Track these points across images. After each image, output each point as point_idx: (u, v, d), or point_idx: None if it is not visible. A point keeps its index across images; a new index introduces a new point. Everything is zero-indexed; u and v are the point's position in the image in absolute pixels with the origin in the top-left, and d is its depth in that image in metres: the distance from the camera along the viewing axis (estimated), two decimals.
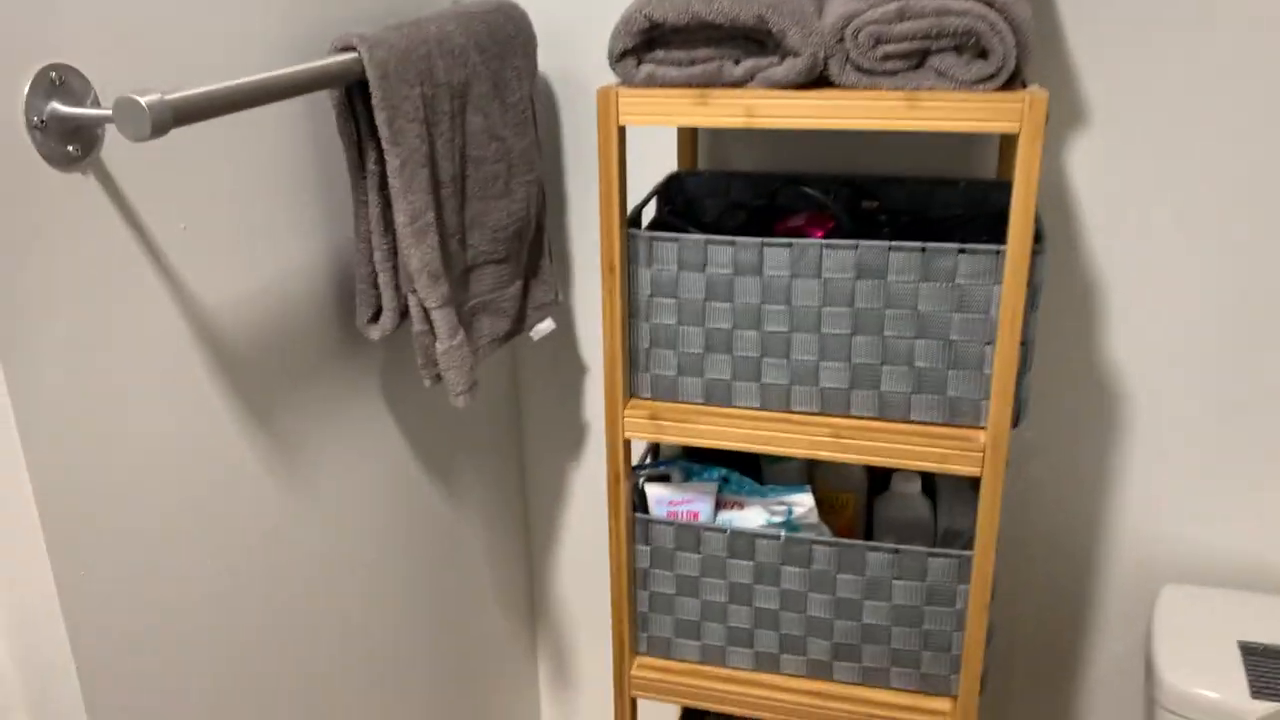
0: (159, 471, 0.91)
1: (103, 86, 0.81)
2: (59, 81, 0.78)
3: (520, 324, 1.32)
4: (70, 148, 0.80)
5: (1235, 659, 1.17)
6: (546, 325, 1.35)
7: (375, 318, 1.15)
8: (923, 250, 1.01)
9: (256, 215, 1.01)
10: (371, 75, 1.00)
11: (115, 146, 0.83)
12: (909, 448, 1.05)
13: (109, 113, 0.76)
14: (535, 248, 1.32)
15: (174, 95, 0.77)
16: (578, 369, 1.56)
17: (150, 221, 0.88)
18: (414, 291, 1.10)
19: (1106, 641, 1.43)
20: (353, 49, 1.00)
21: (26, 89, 0.76)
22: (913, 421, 1.07)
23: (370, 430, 1.23)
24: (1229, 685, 1.14)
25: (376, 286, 1.13)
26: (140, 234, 0.87)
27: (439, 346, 1.12)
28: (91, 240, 0.82)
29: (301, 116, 1.06)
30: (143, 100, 0.75)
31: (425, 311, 1.11)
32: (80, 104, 0.79)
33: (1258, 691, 1.13)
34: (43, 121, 0.77)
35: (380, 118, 1.02)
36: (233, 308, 0.99)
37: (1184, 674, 1.16)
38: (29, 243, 0.77)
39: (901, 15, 0.92)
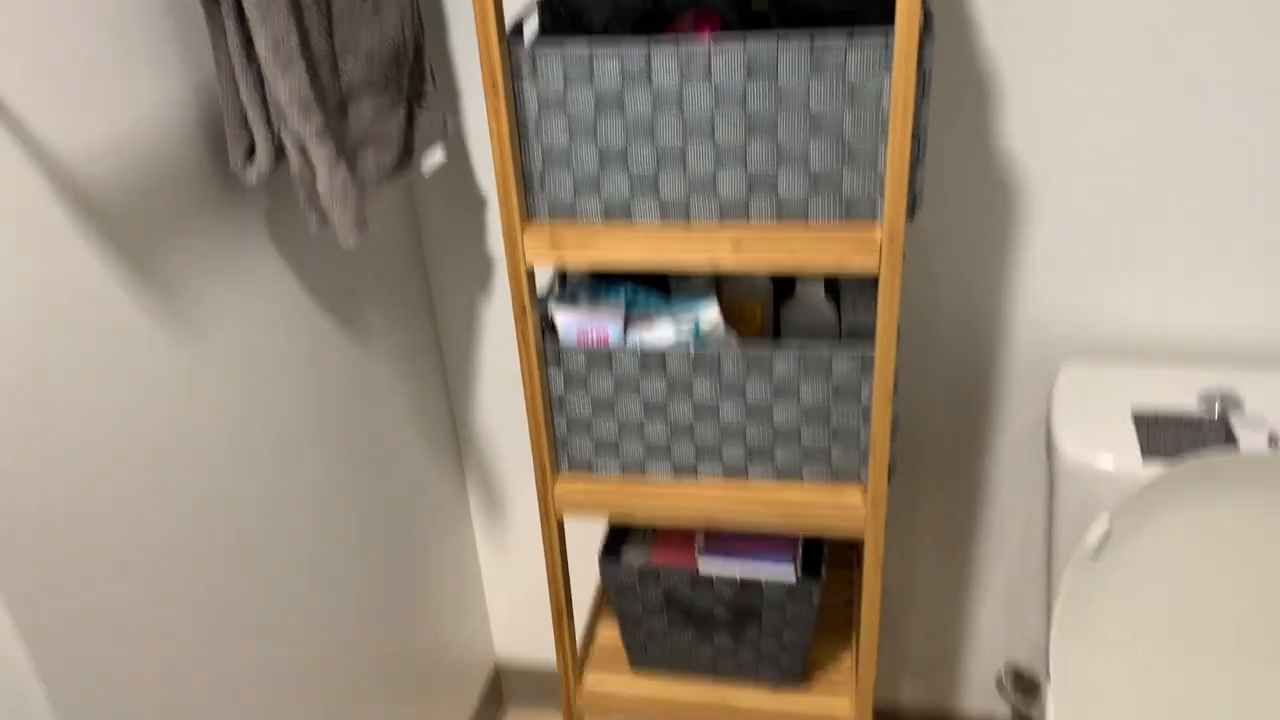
0: (40, 336, 0.88)
1: None
2: None
3: (409, 156, 1.27)
4: None
5: (1128, 427, 1.23)
6: (436, 157, 1.30)
7: (250, 157, 1.09)
8: (811, 43, 0.98)
9: (108, 51, 0.94)
10: None
11: None
12: (808, 250, 1.05)
13: None
14: (416, 74, 1.26)
15: None
16: (477, 200, 1.52)
17: None
18: (286, 126, 1.04)
19: (1010, 422, 1.49)
20: None
21: None
22: (811, 224, 1.07)
23: (262, 279, 1.19)
24: (1122, 451, 1.20)
25: (247, 124, 1.07)
26: None
27: (320, 184, 1.07)
28: None
29: None
30: None
31: (302, 147, 1.06)
32: None
33: (1148, 454, 1.19)
34: None
35: None
36: (94, 157, 0.93)
37: (1080, 443, 1.22)
38: None
39: None
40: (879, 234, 1.04)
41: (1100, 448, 1.21)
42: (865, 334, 1.20)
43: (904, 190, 1.01)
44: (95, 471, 0.95)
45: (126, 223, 0.97)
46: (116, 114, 0.96)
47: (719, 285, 1.29)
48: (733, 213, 1.07)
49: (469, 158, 1.48)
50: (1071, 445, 1.23)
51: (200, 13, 1.01)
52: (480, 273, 1.57)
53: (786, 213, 1.06)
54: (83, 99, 0.92)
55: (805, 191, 1.05)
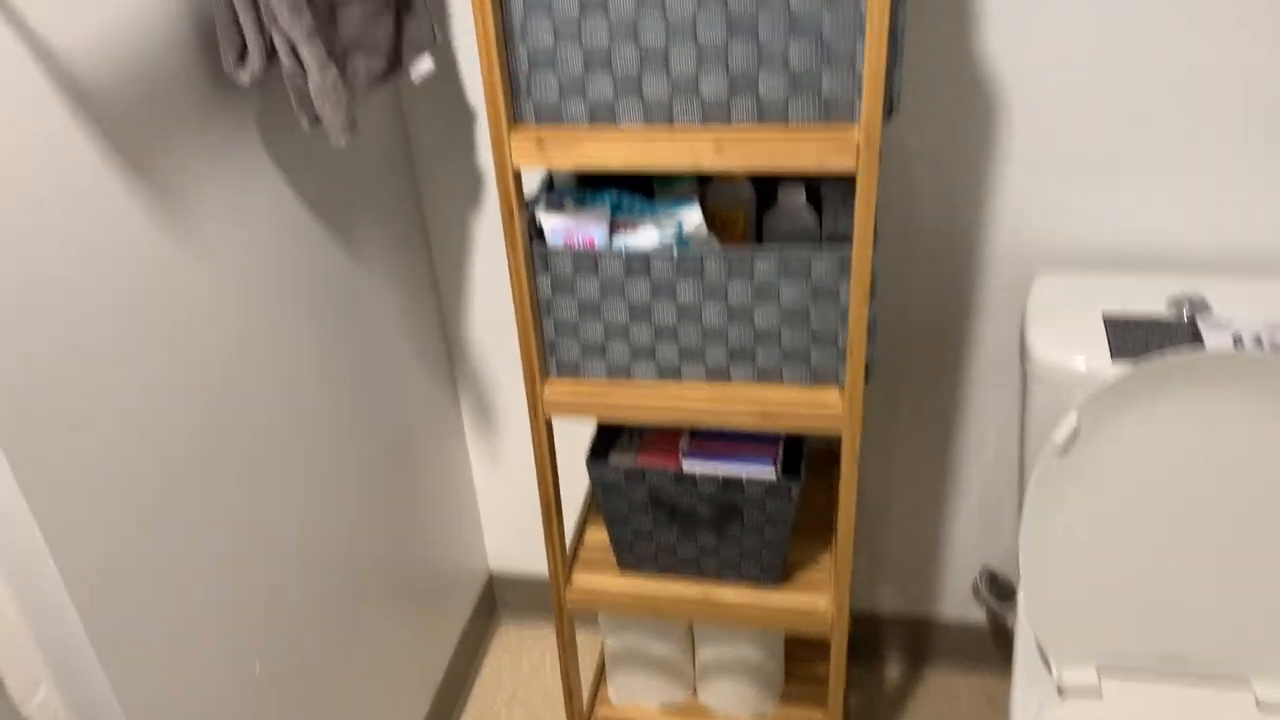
0: (39, 232, 0.90)
1: None
2: None
3: (398, 62, 1.28)
4: None
5: (1099, 330, 1.27)
6: (426, 65, 1.32)
7: (242, 59, 1.11)
8: None
9: None
10: None
11: None
12: (788, 150, 1.08)
13: None
14: None
15: None
16: (465, 111, 1.53)
17: None
18: (278, 26, 1.06)
19: (987, 331, 1.53)
20: None
21: None
22: (791, 124, 1.09)
23: (260, 181, 1.22)
24: (1092, 352, 1.24)
25: (239, 25, 1.09)
26: None
27: (311, 84, 1.10)
28: None
29: None
30: None
31: (292, 47, 1.07)
32: None
33: (1118, 355, 1.23)
34: None
35: None
36: (89, 51, 0.95)
37: (1051, 346, 1.26)
38: None
39: None
40: (857, 134, 1.07)
41: (1071, 350, 1.25)
42: (845, 239, 1.23)
43: (881, 90, 1.03)
44: (97, 369, 0.98)
45: (122, 120, 1.00)
46: (110, 10, 0.97)
47: (703, 193, 1.31)
48: (715, 114, 1.10)
49: (457, 68, 1.50)
50: (1043, 348, 1.26)
51: None
52: (469, 182, 1.60)
53: (767, 114, 1.09)
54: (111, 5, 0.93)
55: (785, 92, 1.07)
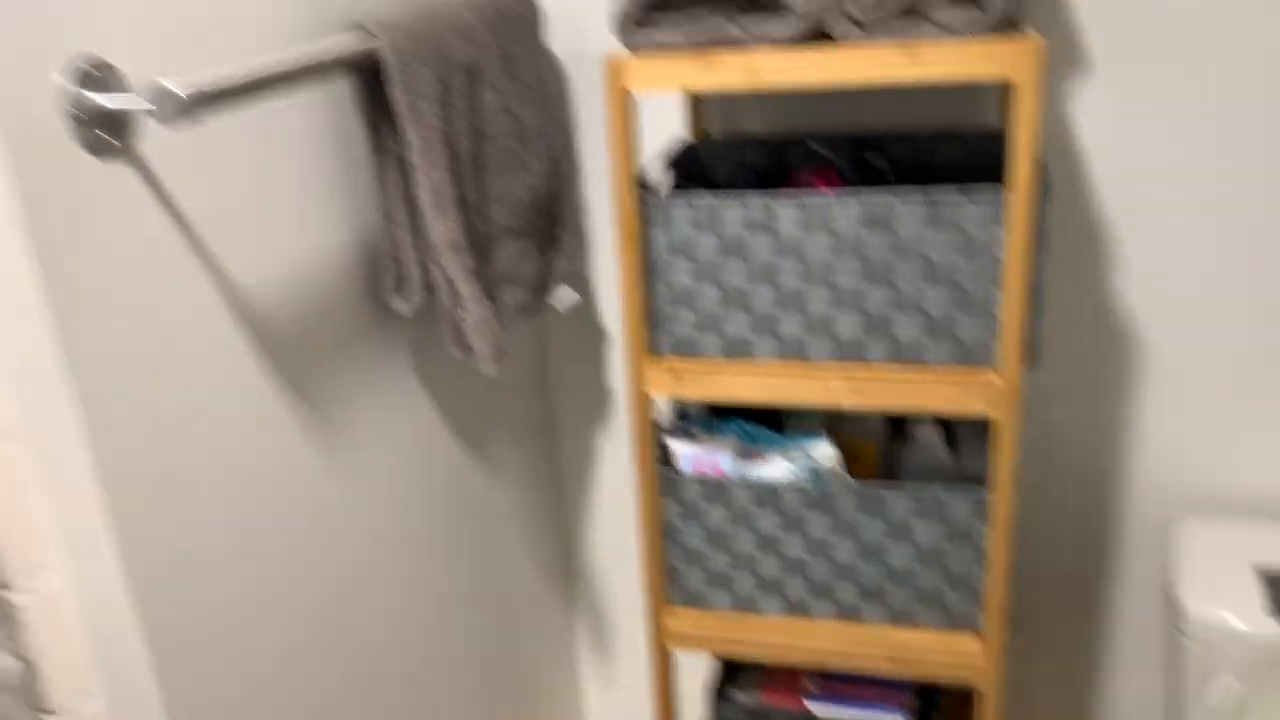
0: (206, 442, 0.96)
1: (135, 76, 0.85)
2: (93, 72, 0.82)
3: (544, 294, 1.35)
4: (107, 136, 0.84)
5: (1252, 582, 1.20)
6: (570, 295, 1.39)
7: (403, 292, 1.19)
8: (927, 199, 1.04)
9: (286, 197, 1.05)
10: (389, 57, 1.04)
11: (151, 134, 0.87)
12: (924, 393, 1.09)
13: (144, 99, 0.80)
14: (554, 219, 1.36)
15: (202, 80, 0.81)
16: (602, 335, 1.59)
17: (187, 206, 0.92)
18: (438, 264, 1.14)
19: (1129, 574, 1.46)
20: (368, 31, 1.04)
21: (63, 80, 0.80)
22: (928, 367, 1.10)
23: (404, 402, 1.28)
24: (1246, 607, 1.17)
25: (403, 262, 1.17)
26: (177, 218, 0.91)
27: (465, 317, 1.16)
28: (132, 226, 0.87)
29: (324, 100, 1.10)
30: (175, 86, 0.79)
31: (451, 284, 1.15)
32: (114, 92, 0.84)
33: (1275, 611, 1.15)
34: (81, 111, 0.81)
35: (399, 99, 1.05)
36: (268, 286, 1.03)
37: (1203, 599, 1.19)
38: (73, 230, 0.82)
39: None
40: (996, 380, 1.07)
41: (1225, 604, 1.18)
42: (981, 478, 1.21)
43: (1020, 339, 1.04)
44: (247, 562, 1.02)
45: (291, 348, 1.07)
46: (291, 251, 1.06)
47: (833, 424, 1.32)
48: (850, 354, 1.12)
49: (597, 295, 1.57)
50: (1195, 602, 1.20)
51: (369, 161, 1.13)
52: (601, 405, 1.64)
53: (903, 356, 1.10)
54: (268, 238, 1.02)
55: (922, 336, 1.09)
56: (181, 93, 0.79)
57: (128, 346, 0.87)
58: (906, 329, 1.09)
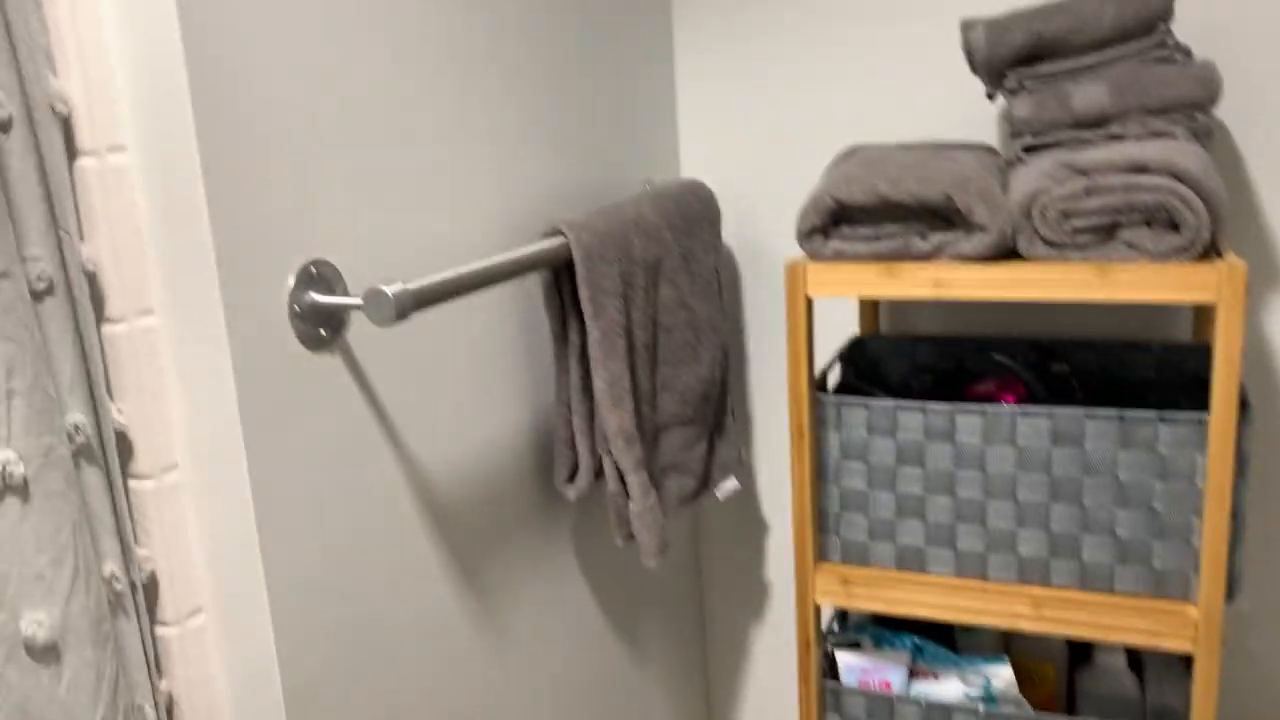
0: (378, 606, 0.98)
1: (351, 277, 0.91)
2: (316, 274, 0.88)
3: (706, 483, 1.35)
4: (322, 331, 0.89)
5: None
6: (731, 484, 1.37)
7: (572, 477, 1.20)
8: (1120, 418, 1.00)
9: (471, 383, 1.09)
10: (577, 256, 1.08)
11: (359, 328, 0.93)
12: (1113, 621, 1.02)
13: (359, 301, 0.86)
14: (720, 408, 1.37)
15: (415, 284, 0.86)
16: (760, 529, 1.57)
17: (384, 394, 0.96)
18: (609, 454, 1.15)
19: None
20: (561, 234, 1.09)
21: (292, 281, 0.86)
22: (1117, 593, 1.04)
23: (562, 585, 1.27)
24: None
25: (574, 448, 1.18)
26: (375, 405, 0.96)
27: (632, 507, 1.16)
28: (336, 411, 0.91)
29: (513, 292, 1.15)
30: (389, 290, 0.84)
31: (620, 473, 1.15)
32: (332, 293, 0.89)
33: None
34: (301, 309, 0.87)
35: (583, 294, 1.09)
36: (449, 468, 1.06)
37: None
38: (286, 412, 0.86)
39: (1090, 192, 0.94)
40: (1194, 613, 1.00)
41: None
42: (1174, 717, 1.11)
43: (1222, 570, 0.97)
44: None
45: (462, 525, 1.09)
46: (473, 435, 1.10)
47: (1008, 641, 1.25)
48: (1032, 574, 1.06)
49: (756, 487, 1.55)
50: None
51: (549, 351, 1.16)
52: (756, 601, 1.60)
53: (1090, 580, 1.04)
54: (452, 422, 1.06)
55: (1111, 559, 1.03)
56: (393, 296, 0.84)
57: (320, 514, 0.90)
58: (1095, 551, 1.03)
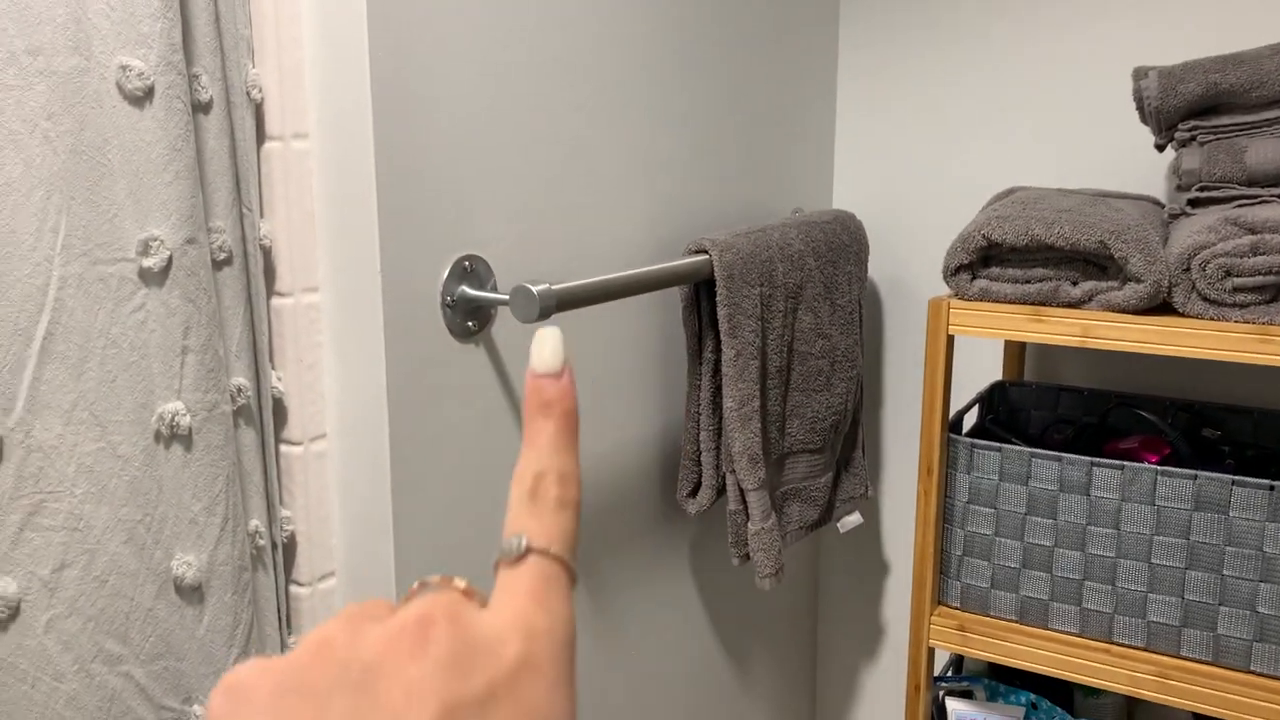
0: None
1: (500, 274, 0.96)
2: (469, 268, 0.93)
3: (828, 514, 1.34)
4: (470, 323, 0.94)
5: None
6: (854, 518, 1.36)
7: (694, 493, 1.22)
8: (1271, 488, 0.95)
9: (605, 390, 1.12)
10: (719, 275, 1.10)
11: (504, 323, 0.97)
12: (1246, 700, 0.97)
13: (506, 297, 0.89)
14: (849, 440, 1.36)
15: (559, 286, 0.90)
16: (880, 566, 1.55)
17: (521, 388, 1.00)
18: (733, 472, 1.16)
19: None
20: (705, 251, 1.11)
21: (446, 272, 0.91)
22: (1253, 673, 0.98)
23: (674, 597, 1.29)
24: None
25: (699, 464, 1.20)
26: (512, 399, 0.99)
27: (751, 527, 1.17)
28: (475, 399, 0.95)
29: (652, 305, 1.17)
30: (535, 289, 0.87)
31: (741, 492, 1.16)
32: (483, 287, 0.94)
33: None
34: (453, 300, 0.91)
35: (722, 313, 1.11)
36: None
37: None
38: (429, 396, 0.91)
39: (1255, 249, 0.91)
40: None
41: None
42: None
43: None
44: None
45: (589, 532, 1.11)
46: (603, 443, 1.12)
47: (1130, 711, 1.20)
48: (1161, 641, 1.02)
49: (880, 524, 1.53)
50: None
51: (683, 366, 1.18)
52: (870, 639, 1.57)
53: (1224, 654, 0.99)
54: (585, 426, 1.09)
55: (1249, 636, 0.98)
56: (538, 295, 0.87)
57: (455, 489, 0.94)
58: (1231, 625, 0.98)
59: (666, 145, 1.16)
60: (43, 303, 0.71)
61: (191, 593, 0.80)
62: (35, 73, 0.70)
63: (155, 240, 0.75)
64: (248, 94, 0.83)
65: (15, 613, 0.71)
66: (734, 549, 1.20)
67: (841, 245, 1.30)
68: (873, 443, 1.52)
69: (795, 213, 1.39)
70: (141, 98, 0.73)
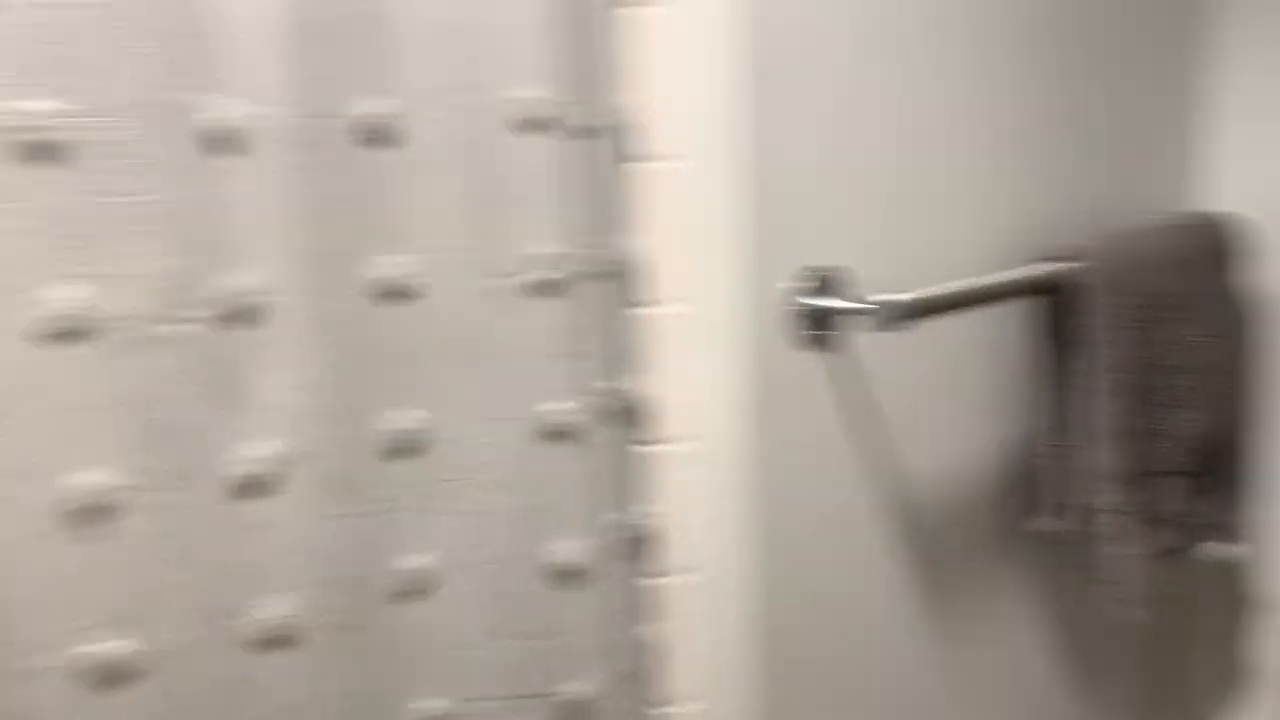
0: (848, 602, 1.03)
1: (853, 284, 0.96)
2: (826, 279, 0.94)
3: (1199, 541, 1.24)
4: (825, 332, 0.95)
5: None
6: (1230, 550, 1.25)
7: (1040, 512, 1.16)
8: None
9: (951, 402, 1.10)
10: (1090, 284, 1.05)
11: (857, 333, 0.97)
12: None
13: (862, 306, 0.90)
14: (1228, 465, 1.25)
15: (914, 295, 0.89)
16: (1257, 606, 1.40)
17: (872, 397, 1.01)
18: (1092, 493, 1.10)
19: None
20: (1069, 258, 1.06)
21: (806, 284, 0.93)
22: None
23: (1013, 621, 1.23)
24: None
25: (1048, 482, 1.14)
26: (864, 407, 1.00)
27: (1110, 552, 1.10)
28: (830, 406, 0.97)
29: (995, 315, 1.12)
30: (892, 299, 0.88)
31: (1104, 516, 1.10)
32: (839, 298, 0.95)
33: None
34: (811, 310, 0.93)
35: (1090, 324, 1.06)
36: (921, 480, 1.08)
37: None
38: (788, 403, 0.94)
39: None
40: None
41: None
42: None
43: None
44: None
45: (931, 537, 1.10)
46: (946, 454, 1.10)
47: None
48: None
49: (1261, 560, 1.39)
50: None
51: (1037, 381, 1.13)
52: (1240, 686, 1.43)
53: None
54: (929, 436, 1.08)
55: None
56: (896, 302, 0.88)
57: (800, 506, 0.97)
58: None
59: (1024, 150, 1.12)
60: (458, 314, 0.81)
61: (570, 578, 0.87)
62: (449, 107, 0.79)
63: (541, 257, 0.84)
64: (621, 119, 0.89)
65: (437, 585, 0.81)
66: (1092, 576, 1.14)
67: (1220, 252, 1.20)
68: (1261, 467, 1.37)
69: (1167, 216, 1.29)
70: (528, 127, 0.81)
